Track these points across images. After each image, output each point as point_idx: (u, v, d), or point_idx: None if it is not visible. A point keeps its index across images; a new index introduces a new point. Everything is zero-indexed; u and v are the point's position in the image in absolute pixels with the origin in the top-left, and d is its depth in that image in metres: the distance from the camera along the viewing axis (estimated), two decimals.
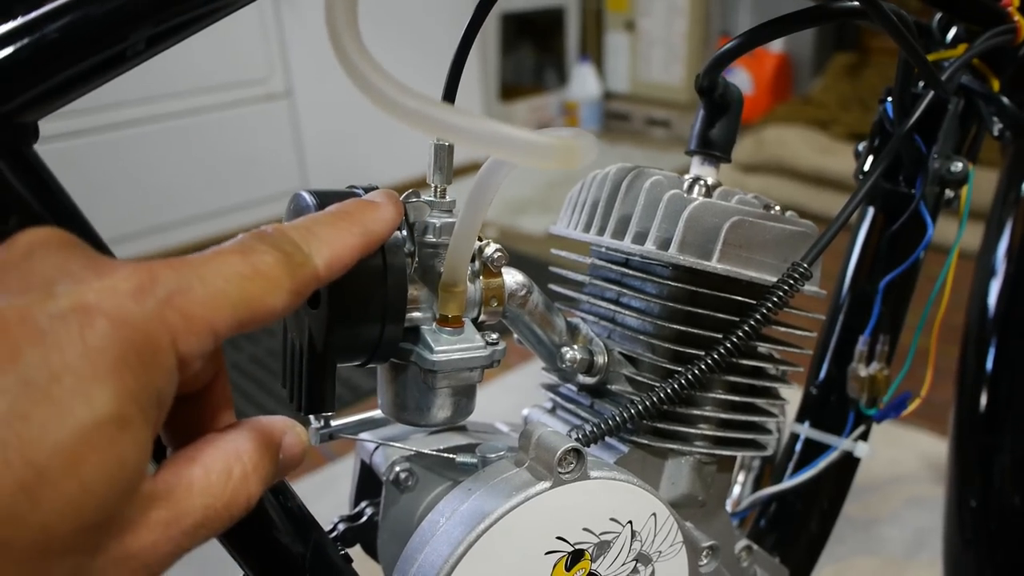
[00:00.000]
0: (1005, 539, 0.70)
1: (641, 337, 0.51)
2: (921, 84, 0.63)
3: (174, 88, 2.68)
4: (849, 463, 0.69)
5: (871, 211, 0.71)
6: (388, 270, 0.39)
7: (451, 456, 0.47)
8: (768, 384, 0.53)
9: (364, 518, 0.53)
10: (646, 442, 0.50)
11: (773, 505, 0.70)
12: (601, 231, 0.52)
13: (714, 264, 0.48)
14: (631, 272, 0.52)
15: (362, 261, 0.37)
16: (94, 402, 0.22)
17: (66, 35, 0.33)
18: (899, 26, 0.47)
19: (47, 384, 0.22)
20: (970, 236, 0.63)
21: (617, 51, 4.12)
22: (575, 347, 0.51)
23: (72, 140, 2.48)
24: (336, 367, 0.40)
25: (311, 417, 0.50)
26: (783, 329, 0.52)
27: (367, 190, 0.40)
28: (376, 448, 0.51)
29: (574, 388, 0.56)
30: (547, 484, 0.41)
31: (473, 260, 0.45)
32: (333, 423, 0.51)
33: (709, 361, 0.47)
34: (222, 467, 0.28)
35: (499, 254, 0.45)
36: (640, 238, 0.50)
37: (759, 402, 0.53)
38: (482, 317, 0.46)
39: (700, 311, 0.49)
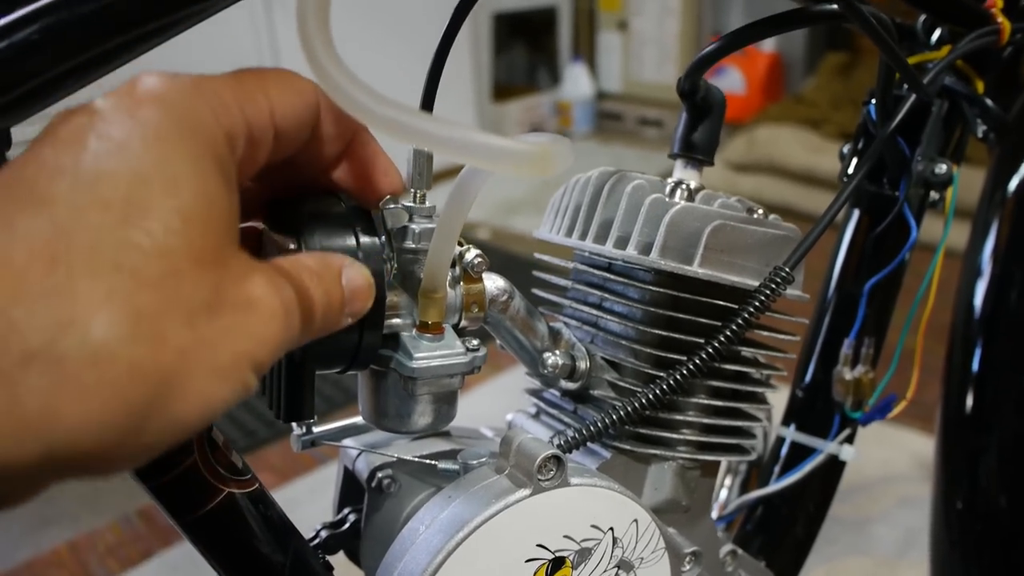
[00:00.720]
0: (991, 540, 0.70)
1: (623, 342, 0.51)
2: (905, 86, 0.63)
3: None
4: (835, 466, 0.69)
5: (856, 213, 0.71)
6: None
7: (433, 463, 0.47)
8: (752, 388, 0.53)
9: (347, 524, 0.53)
10: (629, 447, 0.50)
11: (759, 509, 0.70)
12: (583, 235, 0.52)
13: (696, 269, 0.48)
14: (613, 277, 0.52)
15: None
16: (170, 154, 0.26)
17: (39, 39, 0.33)
18: (878, 29, 0.47)
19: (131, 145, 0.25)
20: (956, 235, 0.63)
21: (610, 51, 4.12)
22: (557, 352, 0.51)
23: None
24: (315, 375, 0.40)
25: (293, 424, 0.50)
26: (767, 333, 0.52)
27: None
28: (359, 454, 0.51)
29: (558, 393, 0.55)
30: (527, 491, 0.41)
31: (454, 266, 0.44)
32: (316, 429, 0.51)
33: (691, 366, 0.47)
34: (291, 266, 0.31)
35: (479, 260, 0.45)
36: (622, 242, 0.50)
37: (743, 406, 0.53)
38: (463, 323, 0.45)
39: (682, 316, 0.49)
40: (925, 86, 0.56)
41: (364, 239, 0.38)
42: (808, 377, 0.71)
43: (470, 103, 3.72)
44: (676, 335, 0.49)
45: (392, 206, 0.42)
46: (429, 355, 0.42)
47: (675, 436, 0.51)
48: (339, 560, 0.52)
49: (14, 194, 0.24)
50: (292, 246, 0.36)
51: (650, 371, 0.49)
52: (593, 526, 0.44)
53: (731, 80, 3.57)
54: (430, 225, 0.42)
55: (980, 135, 0.67)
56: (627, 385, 0.50)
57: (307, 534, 0.50)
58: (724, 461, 0.56)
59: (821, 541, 0.72)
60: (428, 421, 0.45)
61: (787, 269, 0.48)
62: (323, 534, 0.52)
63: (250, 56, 2.88)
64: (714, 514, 0.58)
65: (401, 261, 0.42)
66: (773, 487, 0.68)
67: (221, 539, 0.43)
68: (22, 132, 0.36)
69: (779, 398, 0.60)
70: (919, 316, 0.65)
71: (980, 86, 0.66)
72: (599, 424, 0.47)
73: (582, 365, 0.51)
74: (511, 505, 0.41)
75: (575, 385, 0.52)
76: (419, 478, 0.48)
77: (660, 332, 0.49)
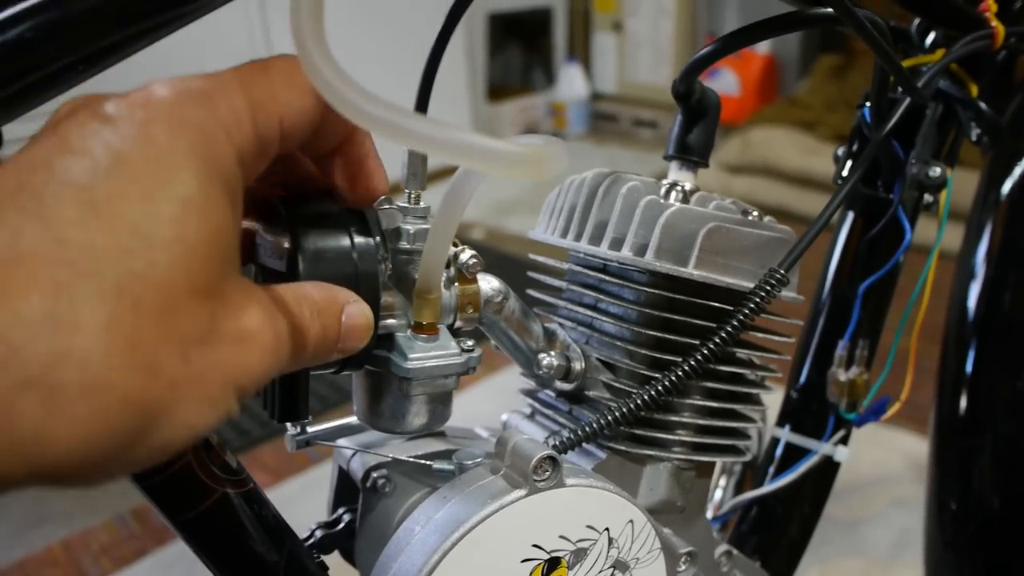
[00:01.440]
0: (985, 541, 0.70)
1: (619, 343, 0.51)
2: (899, 89, 0.63)
3: None
4: (829, 467, 0.69)
5: (850, 216, 0.72)
6: (360, 277, 0.39)
7: (428, 463, 0.47)
8: (747, 389, 0.53)
9: (342, 524, 0.53)
10: (624, 448, 0.50)
11: (754, 509, 0.70)
12: (578, 237, 0.52)
13: (690, 270, 0.48)
14: (608, 278, 0.52)
15: (334, 268, 0.37)
16: (176, 179, 0.26)
17: (31, 37, 0.33)
18: (872, 32, 0.47)
19: (141, 165, 0.25)
20: (950, 237, 0.63)
21: (605, 52, 4.13)
22: (552, 353, 0.51)
23: None
24: (309, 375, 0.40)
25: (287, 424, 0.50)
26: (762, 335, 0.52)
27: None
28: (354, 454, 0.51)
29: (553, 394, 0.56)
30: (522, 492, 0.41)
31: (448, 266, 0.44)
32: (310, 429, 0.51)
33: (686, 367, 0.47)
34: (292, 297, 0.32)
35: (474, 260, 0.45)
36: (617, 244, 0.50)
37: (738, 407, 0.53)
38: (458, 323, 0.45)
39: (677, 317, 0.49)
40: (919, 89, 0.56)
41: (359, 240, 0.38)
42: (803, 378, 0.72)
43: (465, 104, 3.72)
44: (671, 336, 0.49)
45: (387, 207, 0.43)
46: (424, 356, 0.42)
47: (670, 437, 0.51)
48: (334, 560, 0.52)
49: (18, 202, 0.24)
50: (287, 245, 0.36)
51: (645, 372, 0.50)
52: (589, 527, 0.44)
53: (725, 82, 3.58)
54: (425, 226, 0.42)
55: (974, 138, 0.68)
56: (622, 386, 0.50)
57: (302, 534, 0.50)
58: (719, 462, 0.56)
59: (816, 541, 0.73)
60: (423, 421, 0.45)
61: (782, 271, 0.48)
62: (318, 534, 0.52)
63: (244, 55, 2.87)
64: (709, 514, 0.58)
65: (396, 262, 0.43)
66: (768, 488, 0.68)
67: (215, 539, 0.43)
68: (13, 130, 0.36)
69: (774, 399, 0.60)
70: (913, 318, 0.65)
71: (974, 90, 0.67)
72: (594, 425, 0.47)
73: (577, 366, 0.51)
74: (507, 506, 0.41)
75: (570, 386, 0.52)
76: (414, 478, 0.48)
77: (655, 333, 0.49)
